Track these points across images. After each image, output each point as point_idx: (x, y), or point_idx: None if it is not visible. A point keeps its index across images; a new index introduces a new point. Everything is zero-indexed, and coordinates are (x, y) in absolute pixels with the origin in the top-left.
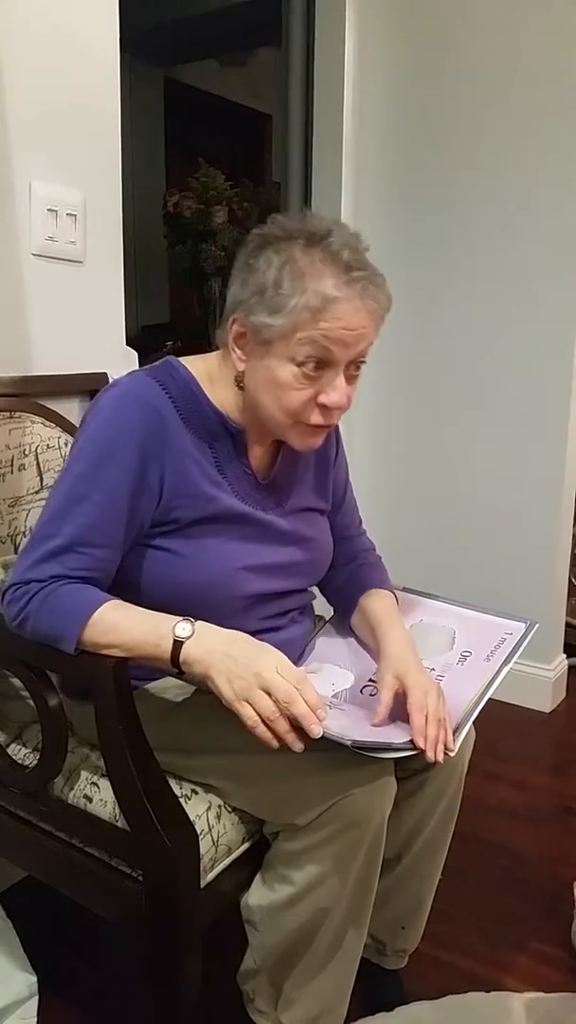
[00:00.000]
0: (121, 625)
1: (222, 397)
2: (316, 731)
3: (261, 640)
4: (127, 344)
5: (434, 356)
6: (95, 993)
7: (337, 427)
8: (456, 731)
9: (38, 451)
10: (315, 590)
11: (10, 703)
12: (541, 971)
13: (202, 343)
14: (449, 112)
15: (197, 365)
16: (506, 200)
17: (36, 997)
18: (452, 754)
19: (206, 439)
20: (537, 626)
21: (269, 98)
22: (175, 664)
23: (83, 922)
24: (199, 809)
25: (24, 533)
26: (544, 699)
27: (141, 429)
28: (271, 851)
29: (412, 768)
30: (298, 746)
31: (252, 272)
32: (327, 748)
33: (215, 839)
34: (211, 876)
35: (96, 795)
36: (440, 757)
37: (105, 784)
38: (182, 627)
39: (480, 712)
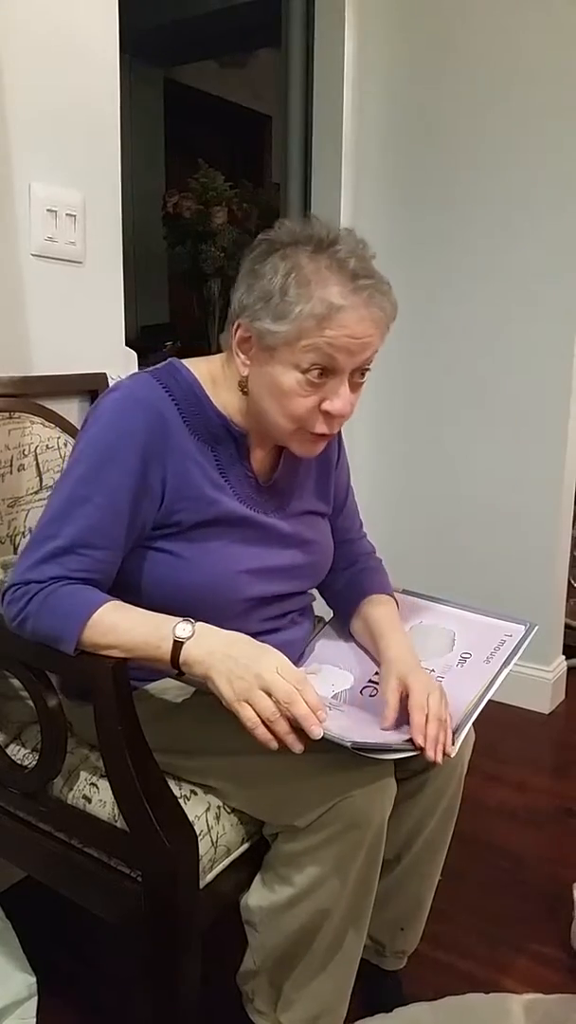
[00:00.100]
0: (121, 626)
1: (225, 400)
2: (316, 732)
3: (261, 641)
4: (126, 345)
5: (434, 356)
6: (94, 993)
7: (339, 430)
8: (456, 732)
9: (37, 451)
10: (315, 592)
11: (9, 703)
12: (540, 972)
13: (202, 344)
14: (449, 112)
15: (200, 367)
16: (506, 200)
17: (35, 998)
18: (452, 755)
19: (208, 442)
20: (537, 628)
21: (269, 99)
22: (175, 665)
23: (82, 923)
24: (198, 810)
25: (24, 533)
26: (543, 700)
27: (143, 432)
28: (271, 852)
29: (412, 769)
30: (298, 747)
31: (258, 278)
32: (327, 749)
33: (214, 840)
34: (210, 877)
35: (95, 796)
36: (439, 757)
37: (104, 785)
38: (182, 628)
39: (480, 713)
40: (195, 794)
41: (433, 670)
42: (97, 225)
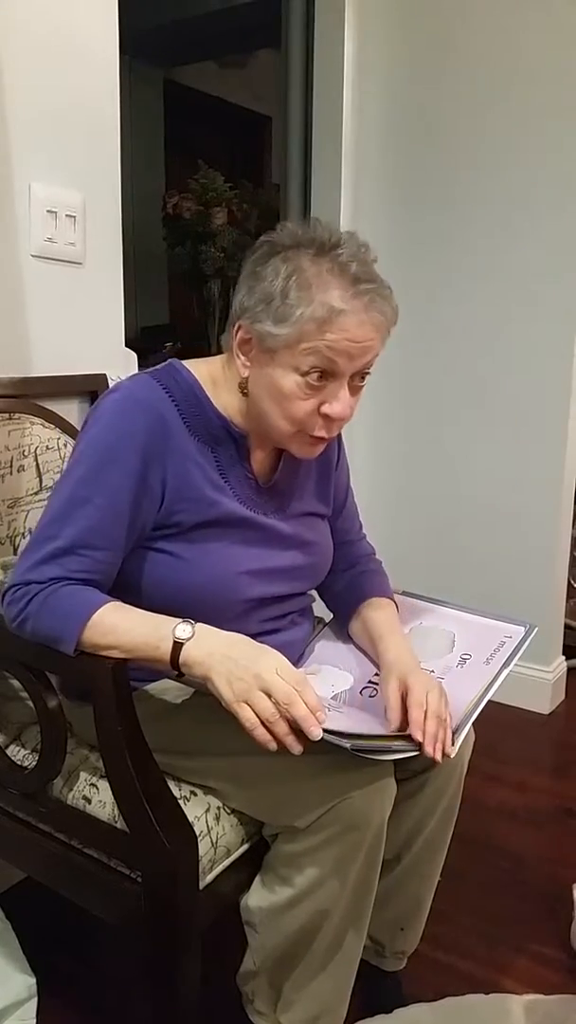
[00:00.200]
0: (121, 627)
1: (225, 401)
2: (316, 733)
3: (261, 642)
4: (126, 345)
5: (434, 356)
6: (94, 994)
7: (339, 432)
8: (455, 733)
9: (37, 452)
10: (314, 593)
11: (9, 704)
12: (540, 973)
13: (202, 345)
14: (449, 112)
15: (201, 369)
16: (506, 200)
17: (35, 998)
18: (452, 756)
19: (208, 443)
20: (536, 630)
21: (269, 100)
22: (174, 666)
23: (82, 923)
24: (198, 810)
25: (23, 534)
26: (543, 701)
27: (143, 432)
28: (270, 853)
29: (412, 769)
30: (297, 749)
31: (259, 280)
32: (326, 750)
33: (214, 841)
34: (210, 878)
35: (95, 796)
36: (439, 755)
37: (104, 785)
38: (182, 629)
39: (479, 714)
40: (195, 795)
41: (433, 671)
42: (97, 226)
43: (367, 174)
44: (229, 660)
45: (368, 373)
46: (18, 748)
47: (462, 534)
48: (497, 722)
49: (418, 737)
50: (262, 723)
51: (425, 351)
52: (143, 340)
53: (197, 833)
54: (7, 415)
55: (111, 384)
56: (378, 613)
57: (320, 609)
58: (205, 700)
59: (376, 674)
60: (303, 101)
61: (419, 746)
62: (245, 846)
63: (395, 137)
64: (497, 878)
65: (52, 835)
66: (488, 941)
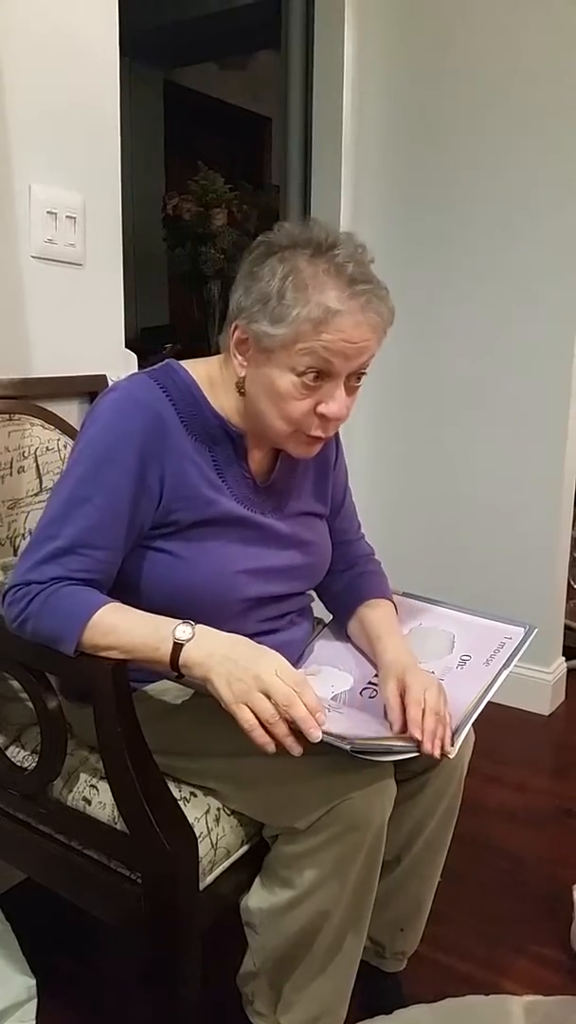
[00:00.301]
0: (121, 627)
1: (222, 401)
2: (315, 735)
3: (260, 642)
4: (126, 346)
5: (434, 356)
6: (94, 995)
7: (337, 432)
8: (455, 733)
9: (37, 453)
10: (313, 593)
11: (9, 705)
12: (540, 974)
13: (201, 346)
14: (449, 113)
15: (198, 369)
16: (506, 200)
17: (35, 1000)
18: (451, 756)
19: (206, 442)
20: (536, 631)
21: (269, 101)
22: (174, 667)
23: (82, 924)
24: (198, 812)
25: (23, 535)
26: (543, 702)
27: (141, 432)
28: (271, 854)
29: (412, 770)
30: (296, 750)
31: (256, 280)
32: (326, 751)
33: (214, 842)
34: (210, 879)
35: (95, 797)
36: (437, 751)
37: (104, 786)
38: (182, 630)
39: (479, 715)
40: (195, 796)
41: (433, 672)
42: (97, 227)
43: (367, 175)
44: (229, 661)
45: (364, 373)
46: (18, 749)
47: (462, 534)
48: (497, 723)
49: (416, 735)
50: (261, 724)
51: (425, 351)
52: (143, 341)
53: (197, 834)
54: (7, 416)
55: (110, 385)
56: (376, 614)
57: (320, 610)
58: (205, 701)
59: (376, 675)
60: (303, 102)
61: (418, 745)
62: (245, 847)
63: (395, 138)
64: (497, 879)
65: (52, 836)
66: (488, 942)
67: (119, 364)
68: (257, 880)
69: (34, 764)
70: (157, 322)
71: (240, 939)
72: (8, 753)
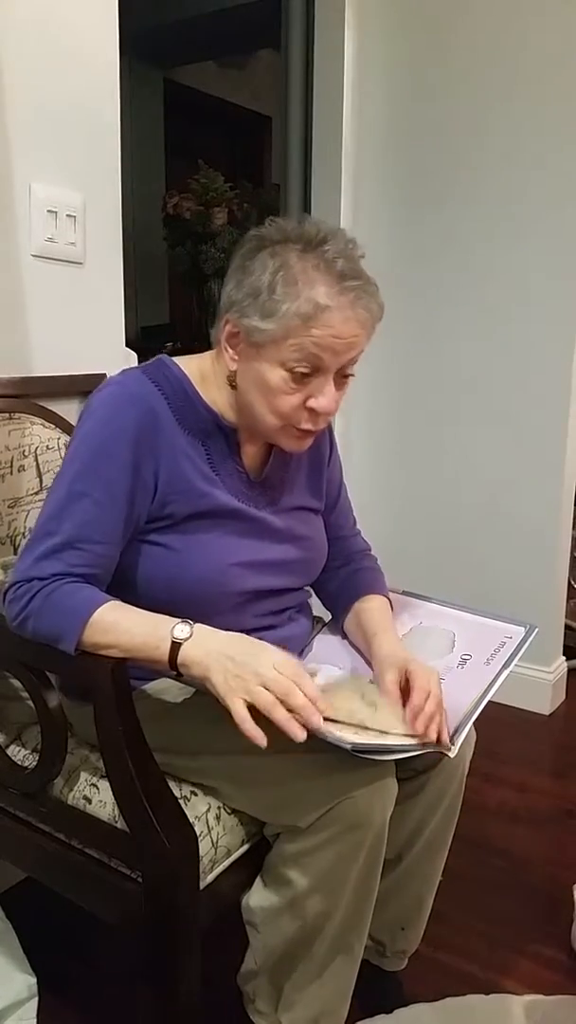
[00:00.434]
0: (121, 625)
1: (215, 396)
2: (316, 721)
3: (259, 638)
4: (126, 345)
5: (434, 356)
6: (95, 994)
7: (331, 427)
8: (456, 732)
9: (37, 452)
10: (311, 591)
11: (10, 704)
12: (541, 973)
13: (202, 345)
14: (449, 112)
15: (190, 365)
16: (506, 200)
17: (36, 998)
18: (452, 755)
19: (199, 437)
20: (537, 630)
21: (269, 100)
22: (173, 666)
23: (83, 923)
24: (198, 810)
25: (24, 534)
26: (543, 701)
27: (135, 427)
28: (272, 852)
29: (413, 769)
30: (300, 735)
31: (247, 274)
32: (328, 750)
33: (214, 841)
34: (210, 878)
35: (95, 796)
36: (433, 734)
37: (104, 785)
38: (180, 629)
39: (480, 714)
40: (195, 795)
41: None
42: (97, 226)
43: (367, 174)
44: (227, 659)
45: (352, 374)
46: (18, 748)
47: (462, 534)
48: (497, 723)
49: (421, 724)
50: (256, 718)
51: (425, 351)
52: (143, 340)
53: (197, 833)
54: (7, 415)
55: None
56: (372, 611)
57: (320, 609)
58: (206, 700)
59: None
60: (303, 101)
61: (421, 744)
62: (245, 846)
63: (395, 137)
64: (497, 879)
65: (52, 835)
66: (488, 942)
67: (119, 363)
68: (258, 879)
69: (35, 763)
70: (157, 321)
71: (241, 938)
72: (9, 752)
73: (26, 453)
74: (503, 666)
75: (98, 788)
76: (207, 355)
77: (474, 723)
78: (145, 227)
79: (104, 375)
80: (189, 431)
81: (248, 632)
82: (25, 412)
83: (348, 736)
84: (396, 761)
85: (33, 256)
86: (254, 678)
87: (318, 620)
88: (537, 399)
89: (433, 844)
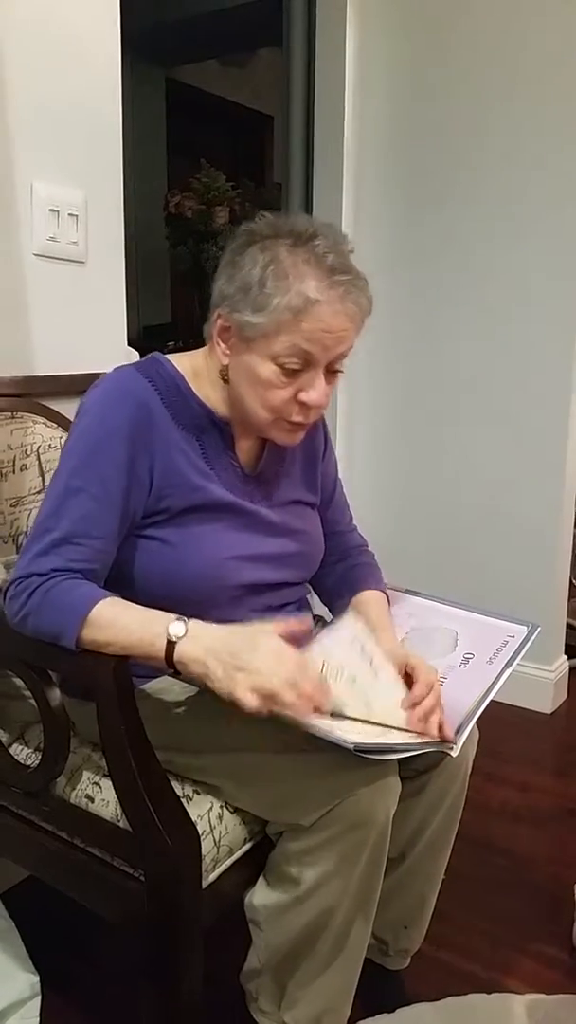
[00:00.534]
0: (119, 622)
1: (208, 391)
2: (327, 703)
3: None
4: (128, 344)
5: (434, 356)
6: (97, 993)
7: (324, 423)
8: (459, 731)
9: (40, 451)
10: (310, 587)
11: (12, 703)
12: (543, 973)
13: (203, 344)
14: (451, 111)
15: (183, 362)
16: (507, 199)
17: (38, 997)
18: (454, 754)
19: (193, 432)
20: (540, 629)
21: (270, 99)
22: (170, 664)
23: (85, 922)
24: (201, 809)
25: (26, 533)
26: (545, 700)
27: (129, 422)
28: (275, 851)
29: (415, 768)
30: (310, 711)
31: (238, 269)
32: (330, 748)
33: (217, 839)
34: (213, 877)
35: (98, 795)
36: (433, 729)
37: (107, 784)
38: (175, 627)
39: (482, 713)
40: (198, 793)
41: (436, 670)
42: (99, 225)
43: (369, 172)
44: (225, 654)
45: (341, 370)
46: (21, 747)
47: (463, 533)
48: (499, 722)
49: (421, 712)
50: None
51: (425, 351)
52: (145, 339)
53: (200, 832)
54: (9, 414)
55: None
56: (370, 606)
57: (320, 607)
58: (208, 698)
59: None
60: (305, 100)
61: (424, 743)
62: (248, 845)
63: (397, 136)
64: (499, 878)
65: (55, 834)
66: (490, 941)
67: (121, 362)
68: (261, 877)
69: (37, 762)
70: (159, 320)
71: (243, 936)
72: (11, 751)
73: (28, 452)
74: (506, 665)
75: (100, 787)
76: (199, 352)
77: (476, 722)
78: (147, 226)
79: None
80: (183, 426)
81: None
82: (27, 411)
83: (351, 736)
84: (398, 760)
85: (35, 255)
86: (256, 670)
87: (319, 620)
88: (537, 399)
89: (436, 843)
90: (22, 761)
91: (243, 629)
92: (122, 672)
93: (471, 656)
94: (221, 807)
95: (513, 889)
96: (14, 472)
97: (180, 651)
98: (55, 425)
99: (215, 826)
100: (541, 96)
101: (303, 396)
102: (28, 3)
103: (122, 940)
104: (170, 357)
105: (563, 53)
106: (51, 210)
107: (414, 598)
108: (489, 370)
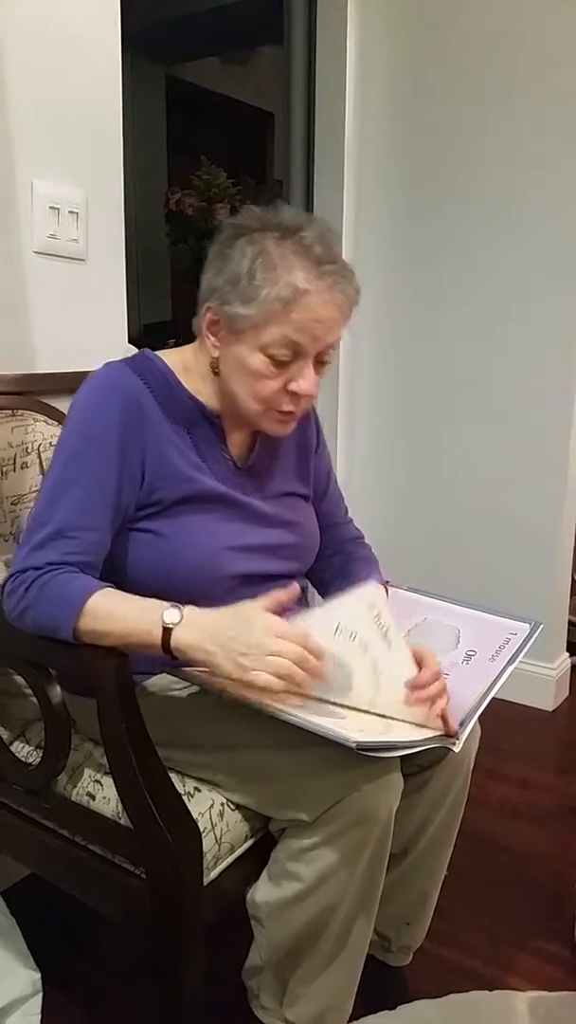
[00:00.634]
0: (116, 612)
1: (198, 386)
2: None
3: None
4: (129, 342)
5: (434, 356)
6: (98, 990)
7: (317, 417)
8: (461, 726)
9: (40, 449)
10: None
11: (13, 701)
12: (544, 970)
13: None
14: (452, 109)
15: (172, 357)
16: (508, 199)
17: (40, 994)
18: (456, 749)
19: (184, 425)
20: (542, 627)
21: (271, 96)
22: (167, 651)
23: (86, 919)
24: (202, 806)
25: None
26: (547, 698)
27: (120, 416)
28: (277, 847)
29: (418, 764)
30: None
31: (226, 261)
32: (333, 745)
33: (218, 837)
34: (214, 873)
35: (99, 792)
36: (437, 713)
37: (108, 781)
38: (170, 614)
39: (484, 710)
40: (199, 790)
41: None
42: (99, 222)
43: (370, 170)
44: (224, 638)
45: (327, 361)
46: (22, 744)
47: (464, 531)
48: (501, 719)
49: (424, 695)
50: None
51: (425, 351)
52: (145, 337)
53: (201, 829)
54: (10, 412)
55: None
56: None
57: (319, 603)
58: (209, 695)
59: None
60: (306, 97)
61: (426, 739)
62: (249, 842)
63: (397, 134)
64: (501, 875)
65: (56, 831)
66: (492, 938)
67: None
68: (264, 874)
69: (38, 759)
70: (160, 317)
71: (244, 933)
72: (12, 748)
73: (29, 450)
74: (508, 662)
75: (102, 784)
76: (188, 348)
77: (478, 719)
78: (147, 224)
79: None
80: (174, 420)
81: None
82: (28, 409)
83: (353, 735)
84: (401, 756)
85: (35, 253)
86: (260, 650)
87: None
88: (537, 399)
89: (438, 839)
90: (23, 759)
91: (236, 610)
92: (123, 669)
93: (473, 653)
94: (222, 804)
95: (514, 886)
96: (15, 470)
97: (177, 638)
98: (56, 423)
99: (216, 823)
100: (541, 96)
101: (293, 386)
102: (28, 3)
103: (123, 937)
104: (159, 353)
105: (563, 53)
106: (51, 208)
107: (415, 595)
108: (489, 370)
